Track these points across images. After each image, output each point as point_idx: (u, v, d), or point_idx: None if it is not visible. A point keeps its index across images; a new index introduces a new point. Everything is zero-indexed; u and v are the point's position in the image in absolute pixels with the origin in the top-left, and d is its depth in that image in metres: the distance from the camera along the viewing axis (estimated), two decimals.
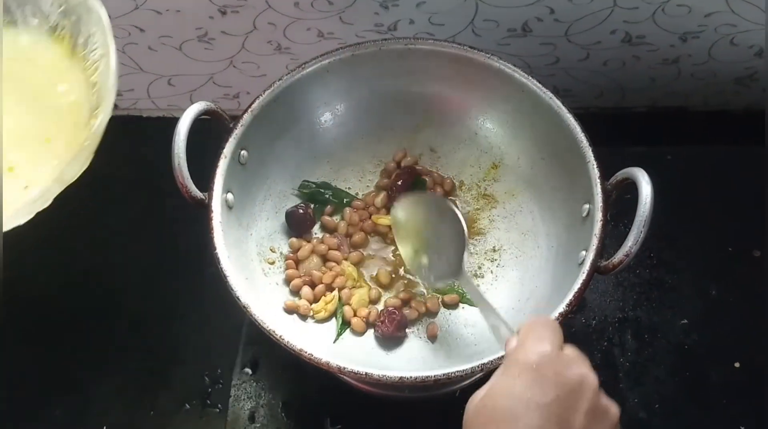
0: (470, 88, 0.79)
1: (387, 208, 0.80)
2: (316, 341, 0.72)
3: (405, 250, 0.74)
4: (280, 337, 0.63)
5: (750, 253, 0.86)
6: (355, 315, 0.75)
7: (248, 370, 0.81)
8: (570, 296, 0.64)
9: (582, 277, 0.65)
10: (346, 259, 0.78)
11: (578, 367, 0.51)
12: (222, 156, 0.72)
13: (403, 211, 0.74)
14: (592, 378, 0.52)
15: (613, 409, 0.52)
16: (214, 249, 0.68)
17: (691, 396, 0.78)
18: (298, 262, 0.77)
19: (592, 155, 0.70)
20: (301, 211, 0.78)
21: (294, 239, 0.78)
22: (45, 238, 0.89)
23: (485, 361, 0.62)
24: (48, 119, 0.55)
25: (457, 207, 0.77)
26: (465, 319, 0.75)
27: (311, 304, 0.75)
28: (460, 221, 0.71)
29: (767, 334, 0.80)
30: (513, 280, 0.77)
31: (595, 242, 0.66)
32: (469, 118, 0.81)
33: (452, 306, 0.76)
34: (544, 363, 0.51)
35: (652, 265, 0.85)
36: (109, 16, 0.84)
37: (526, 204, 0.79)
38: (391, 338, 0.73)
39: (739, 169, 0.90)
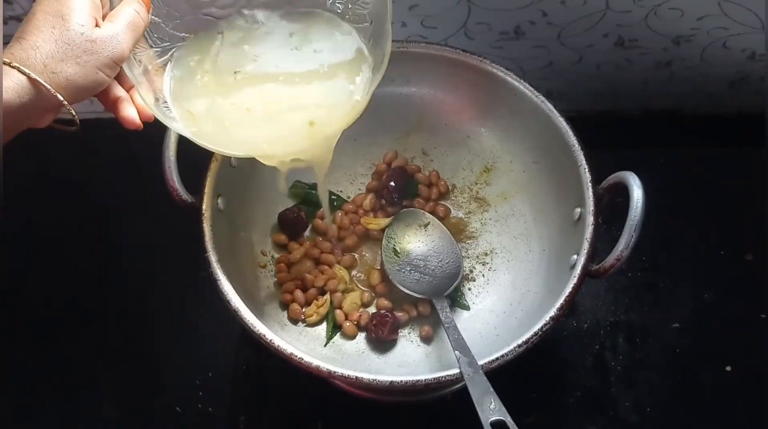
0: (463, 91, 0.79)
1: (376, 210, 0.80)
2: (307, 345, 0.72)
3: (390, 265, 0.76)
4: (271, 341, 0.63)
5: (742, 256, 0.86)
6: (346, 319, 0.75)
7: (240, 374, 0.81)
8: (561, 300, 0.64)
9: (573, 281, 0.65)
10: (338, 263, 0.78)
11: None
12: (213, 159, 0.71)
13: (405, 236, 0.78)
14: None
15: None
16: (205, 253, 0.67)
17: (683, 399, 0.78)
18: (289, 266, 0.77)
19: (584, 159, 0.70)
20: (293, 214, 0.78)
21: (282, 235, 0.78)
22: (36, 242, 0.89)
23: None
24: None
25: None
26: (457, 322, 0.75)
27: (303, 308, 0.75)
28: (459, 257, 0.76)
29: (759, 337, 0.80)
30: (505, 283, 0.77)
31: (586, 246, 0.66)
32: (462, 121, 0.81)
33: None
34: None
35: (644, 268, 0.85)
36: None
37: (518, 207, 0.79)
38: (384, 341, 0.73)
39: (731, 172, 0.90)
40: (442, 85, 0.80)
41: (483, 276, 0.78)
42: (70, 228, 0.90)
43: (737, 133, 0.93)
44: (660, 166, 0.92)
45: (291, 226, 0.79)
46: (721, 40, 0.87)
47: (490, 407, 0.59)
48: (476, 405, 0.59)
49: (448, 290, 0.74)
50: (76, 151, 0.98)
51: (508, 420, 0.58)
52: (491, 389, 0.60)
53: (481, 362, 0.62)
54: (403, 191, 0.80)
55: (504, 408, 0.59)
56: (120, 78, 0.58)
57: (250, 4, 0.66)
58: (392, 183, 0.80)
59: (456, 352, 0.63)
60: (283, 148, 0.63)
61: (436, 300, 0.72)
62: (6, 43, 0.81)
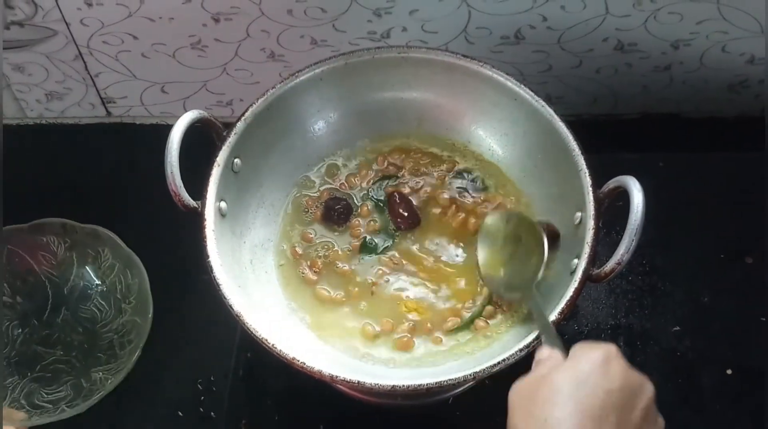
0: (463, 96, 0.80)
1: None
2: (310, 349, 0.72)
3: (484, 258, 0.74)
4: (273, 345, 0.63)
5: (742, 259, 0.86)
6: None
7: (242, 378, 0.81)
8: (562, 304, 0.64)
9: (574, 285, 0.65)
10: None
11: (640, 373, 0.54)
12: (215, 164, 0.71)
13: (494, 222, 0.75)
14: (651, 385, 0.54)
15: (661, 420, 0.55)
16: (207, 257, 0.67)
17: (684, 402, 0.78)
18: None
19: (585, 163, 0.70)
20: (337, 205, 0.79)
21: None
22: None
23: (477, 369, 0.62)
24: None
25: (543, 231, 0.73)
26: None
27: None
28: (543, 243, 0.72)
29: (759, 340, 0.81)
30: None
31: (587, 250, 0.66)
32: (462, 125, 0.82)
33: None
34: (612, 357, 0.53)
35: (644, 271, 0.85)
36: (102, 24, 0.85)
37: (518, 212, 0.79)
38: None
39: (731, 175, 0.90)
40: (442, 90, 0.80)
41: None
42: None
43: (737, 136, 0.94)
44: (659, 169, 0.92)
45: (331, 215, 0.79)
46: (721, 44, 0.87)
47: None
48: None
49: (536, 280, 0.71)
50: (78, 155, 0.99)
51: None
52: None
53: (482, 366, 0.62)
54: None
55: None
56: None
57: None
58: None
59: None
60: None
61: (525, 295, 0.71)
62: (6, 48, 0.82)
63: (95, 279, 0.87)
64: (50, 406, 0.79)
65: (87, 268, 0.87)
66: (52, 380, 0.81)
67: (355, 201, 0.80)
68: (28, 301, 0.86)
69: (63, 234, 0.87)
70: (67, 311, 0.86)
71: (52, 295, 0.86)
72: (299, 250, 0.78)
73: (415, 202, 0.80)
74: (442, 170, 0.82)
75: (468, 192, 0.80)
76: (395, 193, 0.79)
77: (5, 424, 0.69)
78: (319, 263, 0.77)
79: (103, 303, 0.86)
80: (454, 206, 0.79)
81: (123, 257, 0.85)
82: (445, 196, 0.80)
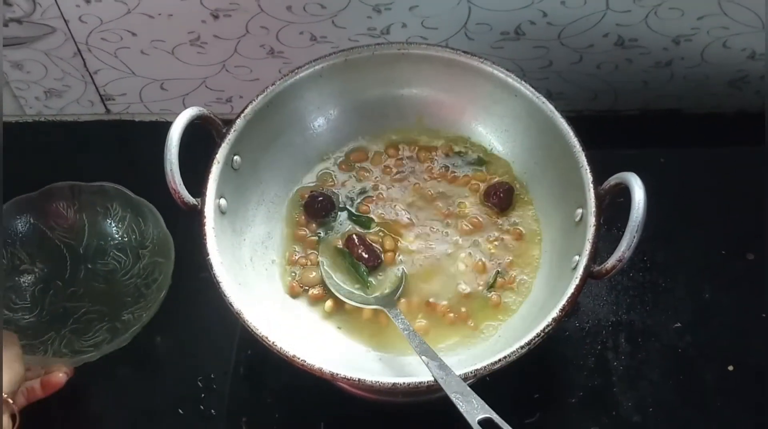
0: (463, 92, 0.79)
1: None
2: (310, 346, 0.72)
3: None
4: (273, 343, 0.63)
5: (743, 255, 0.86)
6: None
7: (242, 375, 0.81)
8: (563, 301, 0.64)
9: (575, 282, 0.64)
10: None
11: None
12: (215, 161, 0.71)
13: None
14: None
15: None
16: (207, 255, 0.67)
17: (685, 399, 0.78)
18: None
19: (585, 160, 0.70)
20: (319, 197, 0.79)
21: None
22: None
23: (478, 366, 0.62)
24: None
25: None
26: None
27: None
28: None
29: (761, 336, 0.80)
30: None
31: (588, 247, 0.65)
32: (462, 122, 0.81)
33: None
34: None
35: (645, 268, 0.85)
36: (101, 21, 0.84)
37: (518, 209, 0.79)
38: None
39: (732, 171, 0.90)
40: (442, 86, 0.80)
41: None
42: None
43: (737, 132, 0.93)
44: (660, 165, 0.92)
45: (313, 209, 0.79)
46: (721, 39, 0.87)
47: (473, 406, 0.59)
48: (458, 406, 0.59)
49: (397, 294, 0.74)
50: (77, 152, 0.99)
51: (494, 416, 0.58)
52: (468, 388, 0.60)
53: (483, 363, 0.61)
54: None
55: (486, 405, 0.59)
56: None
57: None
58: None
59: (423, 357, 0.63)
60: None
61: (388, 309, 0.71)
62: (5, 45, 0.81)
63: (109, 234, 0.89)
64: (92, 348, 0.81)
65: (99, 226, 0.89)
66: (87, 329, 0.84)
67: (337, 200, 0.80)
68: (47, 265, 0.88)
69: (71, 197, 0.89)
70: (87, 268, 0.88)
71: (70, 258, 0.88)
72: (295, 256, 0.78)
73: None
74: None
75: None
76: (352, 237, 0.77)
77: (53, 367, 0.75)
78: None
79: (120, 254, 0.88)
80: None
81: (133, 207, 0.88)
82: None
